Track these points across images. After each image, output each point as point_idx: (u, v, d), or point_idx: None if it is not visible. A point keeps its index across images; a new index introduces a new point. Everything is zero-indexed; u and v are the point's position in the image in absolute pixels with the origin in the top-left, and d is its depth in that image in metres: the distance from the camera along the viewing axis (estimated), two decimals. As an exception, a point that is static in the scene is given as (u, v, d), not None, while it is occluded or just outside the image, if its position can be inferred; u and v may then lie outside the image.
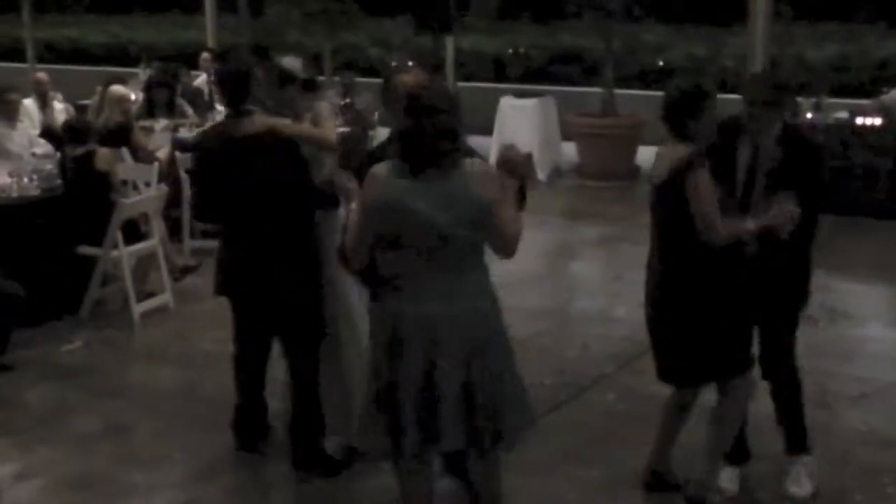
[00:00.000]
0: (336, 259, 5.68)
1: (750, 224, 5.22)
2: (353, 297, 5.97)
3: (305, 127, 6.16)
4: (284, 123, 6.04)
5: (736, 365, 5.47)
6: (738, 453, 5.87)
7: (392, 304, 4.60)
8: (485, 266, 4.68)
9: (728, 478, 5.82)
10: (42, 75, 13.65)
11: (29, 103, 12.79)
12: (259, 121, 5.91)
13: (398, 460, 4.80)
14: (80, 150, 8.92)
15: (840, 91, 15.20)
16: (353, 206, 4.81)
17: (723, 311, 5.32)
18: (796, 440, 5.92)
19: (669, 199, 5.22)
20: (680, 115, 5.26)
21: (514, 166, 4.73)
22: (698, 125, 5.22)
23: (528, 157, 4.84)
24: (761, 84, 5.59)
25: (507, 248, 4.63)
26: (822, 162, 5.86)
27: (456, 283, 4.56)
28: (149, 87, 12.59)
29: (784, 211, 5.15)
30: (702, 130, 5.24)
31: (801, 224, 5.21)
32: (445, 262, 4.51)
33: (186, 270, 9.89)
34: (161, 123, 11.82)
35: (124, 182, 9.82)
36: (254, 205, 5.84)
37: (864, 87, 15.94)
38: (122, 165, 9.86)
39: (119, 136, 10.33)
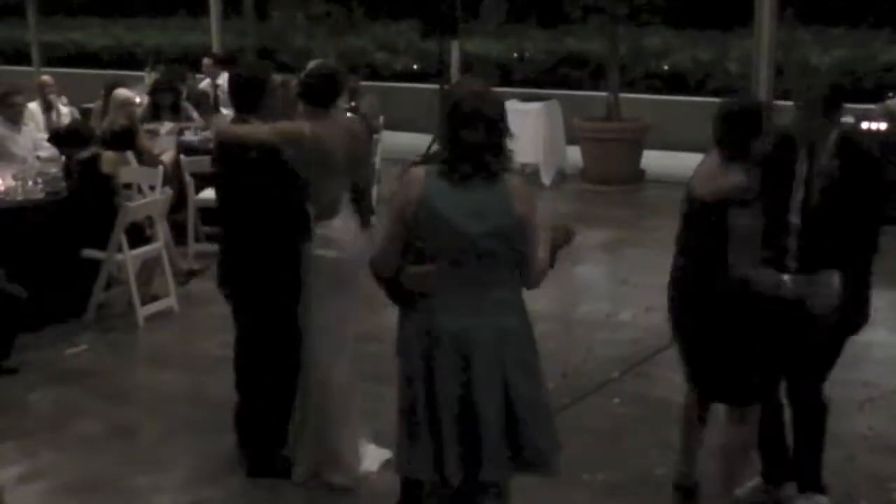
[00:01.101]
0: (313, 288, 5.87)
1: (785, 289, 5.07)
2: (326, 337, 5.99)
3: (244, 128, 5.97)
4: (239, 127, 5.98)
5: (750, 392, 5.36)
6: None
7: (424, 319, 4.48)
8: (516, 284, 4.56)
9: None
10: (46, 78, 13.67)
11: (34, 107, 12.81)
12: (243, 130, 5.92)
13: (439, 488, 4.64)
14: (85, 154, 8.92)
15: (846, 96, 15.14)
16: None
17: (745, 338, 5.20)
18: (809, 477, 5.69)
19: (712, 221, 5.08)
20: (739, 134, 5.14)
21: (559, 235, 4.75)
22: (755, 145, 5.14)
23: (572, 234, 4.86)
24: (817, 89, 5.37)
25: (532, 274, 4.55)
26: (882, 177, 5.40)
27: (485, 299, 4.45)
28: (154, 91, 12.60)
29: (823, 292, 5.04)
30: (757, 150, 5.15)
31: (857, 243, 5.19)
32: (475, 276, 4.41)
33: (191, 274, 9.89)
34: (166, 127, 11.82)
35: (129, 185, 9.82)
36: (228, 212, 5.94)
37: (870, 92, 15.92)
38: (127, 169, 9.86)
39: (124, 139, 10.33)
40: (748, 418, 5.39)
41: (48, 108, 13.06)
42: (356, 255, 5.72)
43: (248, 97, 5.95)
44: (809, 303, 5.06)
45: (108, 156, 8.98)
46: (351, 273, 5.85)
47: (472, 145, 4.32)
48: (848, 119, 12.22)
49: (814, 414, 5.56)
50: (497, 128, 4.37)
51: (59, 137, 11.43)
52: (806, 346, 5.33)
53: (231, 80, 6.19)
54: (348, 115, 10.82)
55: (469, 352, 4.39)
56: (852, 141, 5.34)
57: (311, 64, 6.20)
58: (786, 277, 5.09)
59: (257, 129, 5.86)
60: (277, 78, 6.23)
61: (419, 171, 4.46)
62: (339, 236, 5.85)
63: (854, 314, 5.35)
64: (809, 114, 5.23)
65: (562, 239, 4.76)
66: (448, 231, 4.35)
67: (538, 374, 4.64)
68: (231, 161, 5.90)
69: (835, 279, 5.05)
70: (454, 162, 4.35)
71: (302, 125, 5.89)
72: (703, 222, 5.16)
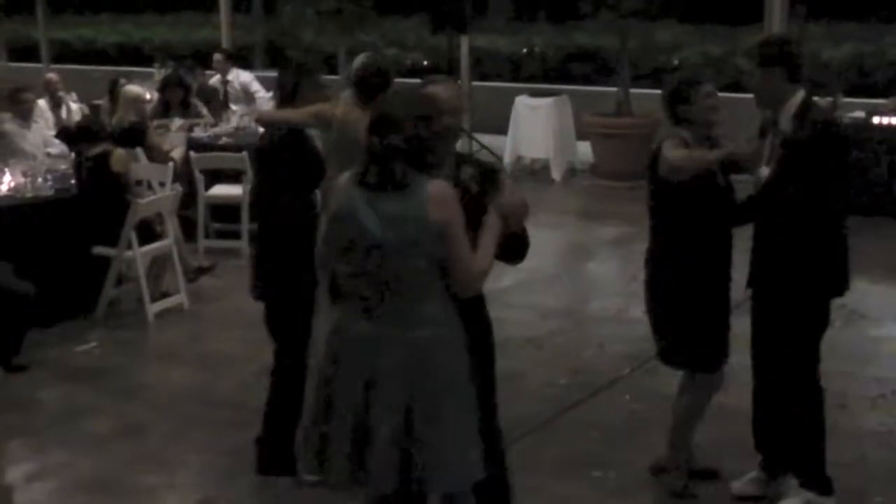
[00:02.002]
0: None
1: (711, 154, 5.30)
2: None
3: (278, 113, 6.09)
4: (276, 112, 6.08)
5: (702, 359, 5.56)
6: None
7: (339, 319, 4.40)
8: (442, 296, 4.28)
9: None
10: (52, 76, 13.67)
11: (42, 104, 12.82)
12: None
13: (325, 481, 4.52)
14: (95, 150, 8.90)
15: (856, 91, 15.13)
16: None
17: (698, 300, 5.43)
18: (810, 472, 5.57)
19: (653, 181, 5.43)
20: (671, 108, 5.46)
21: (509, 213, 4.44)
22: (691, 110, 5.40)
23: (525, 206, 4.53)
24: (762, 44, 5.46)
25: (462, 283, 4.27)
26: (839, 139, 5.41)
27: (402, 311, 4.24)
28: (164, 87, 12.59)
29: (752, 144, 5.21)
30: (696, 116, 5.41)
31: (814, 202, 5.16)
32: (394, 287, 4.20)
33: (200, 271, 9.86)
34: (176, 123, 11.82)
35: (139, 182, 9.81)
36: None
37: (880, 87, 15.88)
38: (137, 165, 9.85)
39: (134, 136, 10.31)
40: (702, 385, 5.62)
41: (56, 105, 13.06)
42: None
43: (282, 93, 5.98)
44: (740, 157, 5.33)
45: (118, 153, 8.96)
46: None
47: (379, 152, 4.18)
48: (859, 113, 12.21)
49: (808, 399, 5.53)
50: (414, 133, 4.17)
51: (68, 134, 11.45)
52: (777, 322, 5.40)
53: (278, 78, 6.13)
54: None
55: (374, 363, 4.24)
56: (813, 104, 5.35)
57: (362, 57, 6.25)
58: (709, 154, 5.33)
59: (291, 113, 5.91)
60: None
61: (344, 177, 4.36)
62: None
63: (831, 278, 5.40)
64: (769, 75, 5.26)
65: (515, 211, 4.47)
66: (359, 238, 4.20)
67: (454, 389, 4.31)
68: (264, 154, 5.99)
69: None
70: (364, 170, 4.23)
71: (332, 108, 5.95)
72: (659, 200, 5.45)
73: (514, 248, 4.58)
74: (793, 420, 5.53)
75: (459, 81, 10.90)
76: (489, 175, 4.58)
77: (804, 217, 5.19)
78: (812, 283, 5.29)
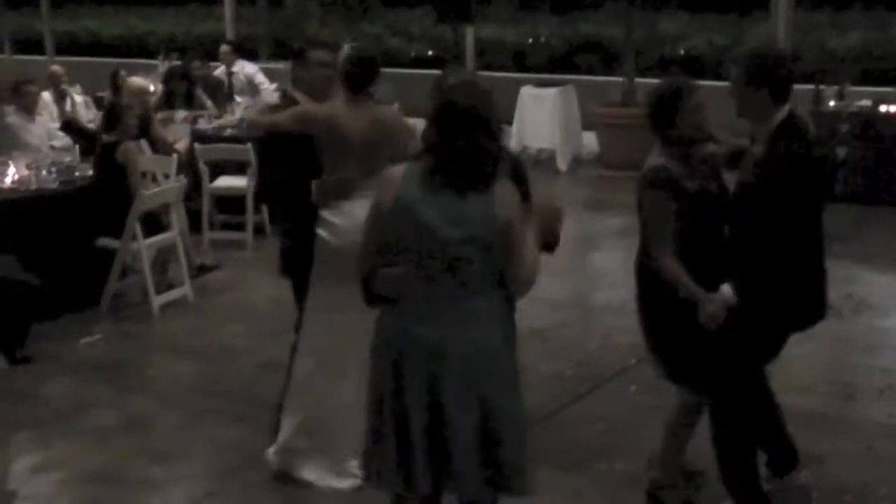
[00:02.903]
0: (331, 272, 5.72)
1: (685, 289, 4.98)
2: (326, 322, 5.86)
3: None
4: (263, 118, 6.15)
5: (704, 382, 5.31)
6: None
7: (395, 325, 4.25)
8: (498, 293, 4.28)
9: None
10: (57, 68, 13.65)
11: (47, 96, 12.82)
12: None
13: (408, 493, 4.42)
14: (111, 138, 8.89)
15: (863, 79, 15.09)
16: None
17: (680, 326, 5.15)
18: (778, 460, 5.48)
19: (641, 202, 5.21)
20: (656, 116, 5.12)
21: (545, 220, 4.50)
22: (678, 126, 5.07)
23: (560, 215, 4.62)
24: (752, 56, 5.15)
25: (523, 282, 4.26)
26: (809, 170, 4.98)
27: (461, 309, 4.17)
28: (168, 79, 12.58)
29: (710, 308, 4.92)
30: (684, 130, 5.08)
31: (778, 235, 4.87)
32: (451, 285, 4.13)
33: (203, 269, 9.78)
34: (180, 115, 11.80)
35: (143, 174, 9.79)
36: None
37: (888, 75, 15.83)
38: (142, 157, 9.83)
39: (138, 128, 10.29)
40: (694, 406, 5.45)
41: (61, 97, 13.05)
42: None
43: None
44: (700, 312, 4.96)
45: (125, 145, 8.94)
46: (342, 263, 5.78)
47: (468, 154, 4.05)
48: (865, 102, 12.17)
49: (737, 417, 5.29)
50: (492, 131, 4.09)
51: (72, 127, 11.46)
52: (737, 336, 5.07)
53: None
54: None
55: (440, 364, 4.15)
56: (792, 127, 5.00)
57: (347, 48, 6.04)
58: (685, 280, 5.00)
59: (278, 117, 5.88)
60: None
61: (396, 171, 4.23)
62: (344, 223, 5.70)
63: (801, 307, 5.12)
64: (754, 95, 4.99)
65: (551, 223, 4.57)
66: (422, 236, 4.09)
67: (516, 390, 4.38)
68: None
69: (726, 296, 4.90)
70: (446, 170, 4.08)
71: (313, 106, 5.87)
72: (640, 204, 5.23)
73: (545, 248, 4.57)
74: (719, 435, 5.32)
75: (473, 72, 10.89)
76: (519, 168, 4.56)
77: (768, 241, 4.91)
78: (768, 312, 4.98)
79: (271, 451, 6.00)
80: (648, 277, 5.24)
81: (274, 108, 6.38)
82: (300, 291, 5.99)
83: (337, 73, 5.91)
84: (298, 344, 5.96)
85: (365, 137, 5.74)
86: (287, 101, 6.18)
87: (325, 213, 5.76)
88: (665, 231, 5.01)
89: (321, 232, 5.76)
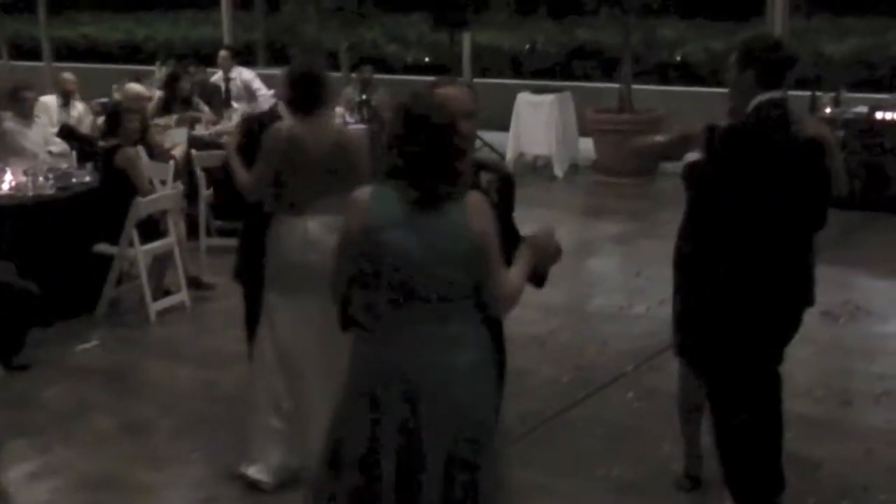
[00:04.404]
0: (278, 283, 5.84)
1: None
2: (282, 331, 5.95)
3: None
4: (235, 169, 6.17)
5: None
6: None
7: (371, 353, 4.08)
8: (476, 314, 4.10)
9: None
10: (68, 75, 13.61)
11: (49, 100, 12.80)
12: None
13: None
14: (111, 142, 8.89)
15: (859, 85, 15.10)
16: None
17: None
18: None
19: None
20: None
21: (540, 250, 4.24)
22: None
23: (558, 251, 4.34)
24: (746, 40, 5.26)
25: (499, 298, 4.07)
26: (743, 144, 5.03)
27: (439, 333, 4.01)
28: (170, 82, 12.56)
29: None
30: None
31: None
32: (429, 309, 3.97)
33: (197, 284, 9.67)
34: (173, 118, 11.81)
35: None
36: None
37: (884, 82, 15.85)
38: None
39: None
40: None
41: (66, 103, 13.02)
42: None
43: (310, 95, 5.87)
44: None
45: (123, 149, 8.93)
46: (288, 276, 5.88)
47: (423, 165, 3.91)
48: (862, 108, 12.19)
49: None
50: (449, 137, 3.93)
51: (70, 134, 11.45)
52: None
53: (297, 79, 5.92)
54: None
55: (417, 393, 3.98)
56: (763, 107, 5.03)
57: (295, 64, 5.99)
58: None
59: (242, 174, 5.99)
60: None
61: (362, 195, 4.01)
62: (291, 240, 5.82)
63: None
64: (741, 77, 5.06)
65: (548, 255, 4.30)
66: (400, 262, 3.93)
67: (491, 415, 4.19)
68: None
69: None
70: (414, 184, 3.92)
71: (274, 131, 5.83)
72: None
73: (537, 280, 4.41)
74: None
75: (469, 83, 10.87)
76: (506, 181, 4.48)
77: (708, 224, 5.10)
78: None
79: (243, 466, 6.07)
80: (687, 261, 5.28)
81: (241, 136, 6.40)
82: (248, 299, 6.32)
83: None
84: (255, 350, 6.13)
85: (323, 157, 5.76)
86: (247, 122, 6.30)
87: (276, 226, 5.84)
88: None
89: (271, 243, 5.87)
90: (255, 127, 6.26)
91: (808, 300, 5.23)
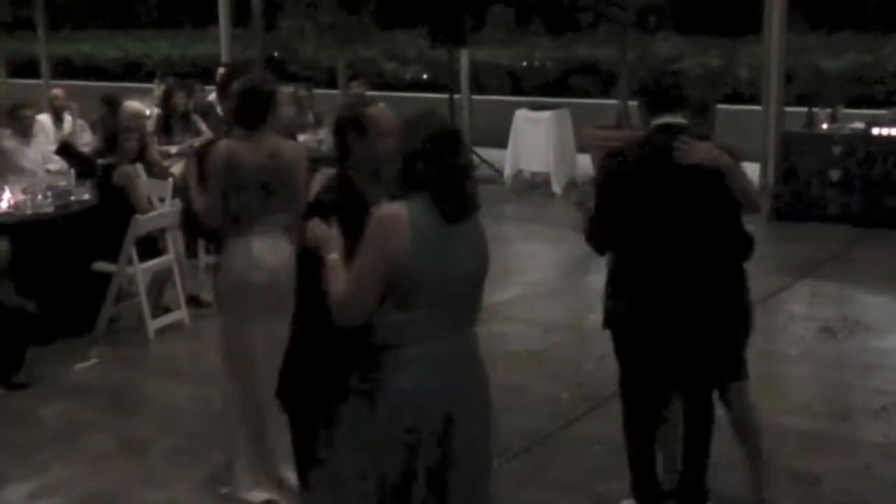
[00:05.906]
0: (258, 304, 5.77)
1: None
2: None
3: None
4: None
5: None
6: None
7: (413, 374, 3.85)
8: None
9: None
10: (59, 91, 13.65)
11: (44, 119, 12.82)
12: None
13: None
14: (109, 160, 8.89)
15: (856, 101, 15.13)
16: (333, 255, 3.94)
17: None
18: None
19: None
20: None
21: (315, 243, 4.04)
22: None
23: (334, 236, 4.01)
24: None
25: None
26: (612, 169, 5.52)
27: (470, 348, 4.02)
28: (168, 96, 12.55)
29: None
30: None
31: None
32: (467, 323, 4.00)
33: (196, 301, 9.63)
34: (174, 149, 11.78)
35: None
36: None
37: (881, 98, 15.88)
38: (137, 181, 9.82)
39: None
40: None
41: (59, 120, 13.04)
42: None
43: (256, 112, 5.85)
44: None
45: (122, 168, 8.94)
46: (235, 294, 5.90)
47: (462, 175, 3.88)
48: (858, 124, 12.21)
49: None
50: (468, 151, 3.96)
51: (68, 151, 11.45)
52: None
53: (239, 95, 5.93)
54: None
55: (452, 408, 3.89)
56: (651, 132, 5.28)
57: (241, 81, 5.97)
58: None
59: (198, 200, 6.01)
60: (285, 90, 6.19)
61: (399, 212, 3.80)
62: (238, 259, 5.83)
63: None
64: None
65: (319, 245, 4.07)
66: (445, 281, 3.83)
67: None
68: None
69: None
70: (448, 197, 3.83)
71: (212, 153, 5.87)
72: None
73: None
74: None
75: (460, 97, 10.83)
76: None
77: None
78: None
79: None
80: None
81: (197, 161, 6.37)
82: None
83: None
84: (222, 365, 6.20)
85: (262, 173, 5.75)
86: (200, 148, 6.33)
87: (225, 245, 5.89)
88: None
89: (221, 262, 5.95)
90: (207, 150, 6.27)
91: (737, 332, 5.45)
